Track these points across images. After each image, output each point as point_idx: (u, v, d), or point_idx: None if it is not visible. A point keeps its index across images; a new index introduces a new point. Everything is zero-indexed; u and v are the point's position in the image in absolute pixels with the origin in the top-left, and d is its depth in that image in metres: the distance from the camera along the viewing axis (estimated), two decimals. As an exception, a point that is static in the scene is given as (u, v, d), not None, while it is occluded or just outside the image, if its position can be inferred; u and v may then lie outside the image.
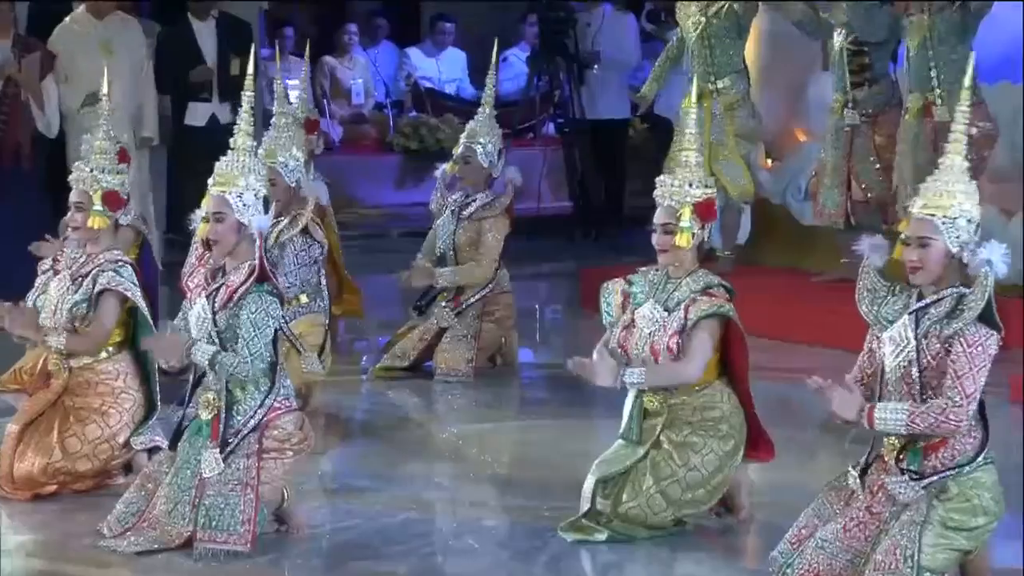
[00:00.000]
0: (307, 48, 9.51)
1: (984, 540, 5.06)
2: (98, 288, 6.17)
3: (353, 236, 11.30)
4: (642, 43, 13.73)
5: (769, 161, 10.93)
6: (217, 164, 5.64)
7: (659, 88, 10.64)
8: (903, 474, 5.02)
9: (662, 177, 5.78)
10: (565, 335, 10.43)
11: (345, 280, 8.70)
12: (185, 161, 11.03)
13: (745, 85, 10.16)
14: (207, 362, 5.52)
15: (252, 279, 5.55)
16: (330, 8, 16.50)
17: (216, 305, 5.59)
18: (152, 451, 6.21)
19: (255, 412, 5.55)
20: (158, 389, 6.33)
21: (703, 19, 9.98)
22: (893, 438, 5.05)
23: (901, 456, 5.04)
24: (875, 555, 4.97)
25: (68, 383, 6.25)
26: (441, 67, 15.54)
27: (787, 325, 9.12)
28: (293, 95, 8.67)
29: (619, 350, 5.76)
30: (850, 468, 5.22)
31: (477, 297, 8.39)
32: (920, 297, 5.06)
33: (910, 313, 5.04)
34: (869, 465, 5.17)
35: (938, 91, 8.94)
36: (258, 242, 5.57)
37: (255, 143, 5.73)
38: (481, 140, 8.41)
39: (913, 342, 4.99)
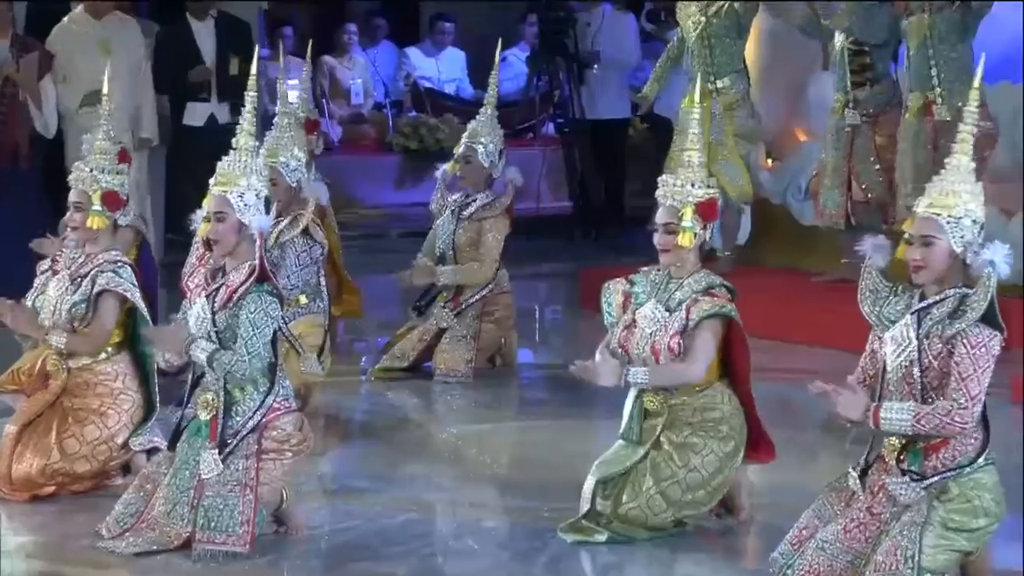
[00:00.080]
0: (309, 48, 9.49)
1: (985, 541, 5.06)
2: (97, 289, 6.16)
3: (352, 236, 11.28)
4: (642, 43, 13.72)
5: (769, 161, 10.92)
6: (219, 164, 5.63)
7: (660, 89, 10.62)
8: (904, 475, 5.01)
9: (664, 177, 5.76)
10: (565, 335, 10.42)
11: (344, 281, 8.69)
12: (183, 161, 11.03)
13: (745, 85, 10.15)
14: (205, 359, 5.51)
15: (252, 279, 5.54)
16: (329, 8, 16.48)
17: (216, 305, 5.58)
18: (151, 452, 6.20)
19: (254, 413, 5.54)
20: (157, 390, 6.32)
21: (703, 19, 9.97)
22: (894, 439, 5.05)
23: (902, 457, 5.04)
24: (876, 556, 4.97)
25: (67, 384, 6.24)
26: (440, 67, 15.53)
27: (787, 325, 9.11)
28: (293, 95, 8.66)
29: (620, 350, 5.75)
30: (850, 469, 5.21)
31: (476, 297, 8.38)
32: (922, 297, 5.05)
33: (912, 313, 5.03)
34: (869, 466, 5.17)
35: (938, 90, 8.95)
36: (258, 242, 5.57)
37: (257, 143, 5.73)
38: (482, 140, 8.41)
39: (915, 342, 4.98)
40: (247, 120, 5.63)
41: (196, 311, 5.65)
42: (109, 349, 6.27)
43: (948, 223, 4.95)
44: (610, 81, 13.30)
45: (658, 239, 5.73)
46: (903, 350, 5.02)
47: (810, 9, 9.73)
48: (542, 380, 8.84)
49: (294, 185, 7.61)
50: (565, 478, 6.21)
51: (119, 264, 6.21)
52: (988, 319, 4.91)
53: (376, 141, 14.82)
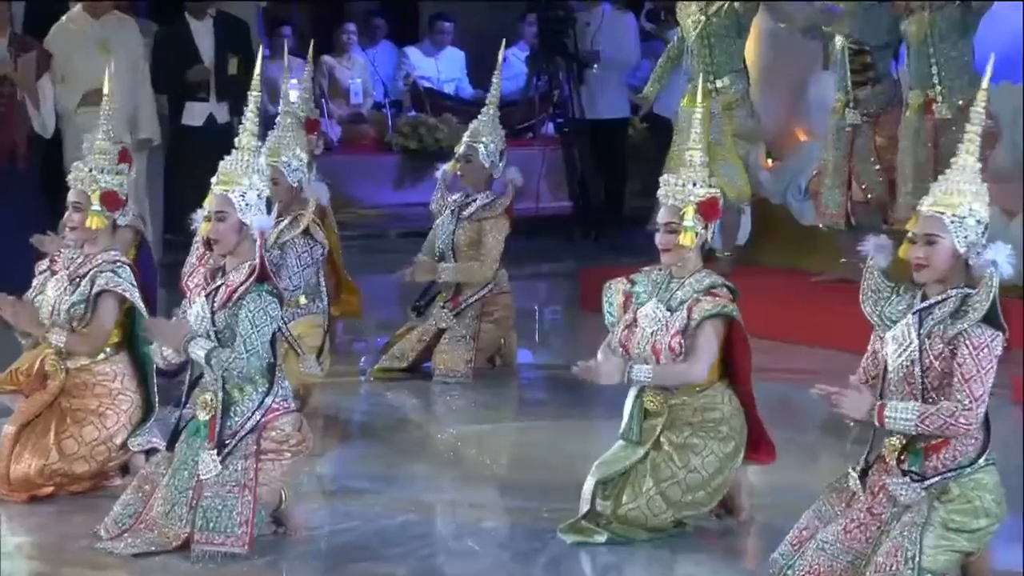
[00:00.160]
0: (310, 48, 9.48)
1: (985, 542, 5.06)
2: (96, 289, 6.15)
3: (352, 236, 11.27)
4: (642, 42, 13.71)
5: (770, 161, 10.92)
6: (221, 163, 5.62)
7: (660, 89, 10.61)
8: (904, 475, 5.01)
9: (665, 176, 5.75)
10: (564, 335, 10.41)
11: (344, 281, 8.68)
12: (182, 161, 11.01)
13: (744, 85, 10.14)
14: (203, 356, 5.50)
15: (252, 279, 5.53)
16: (328, 7, 16.48)
17: (215, 304, 5.57)
18: (149, 452, 6.19)
19: (253, 413, 5.53)
20: (156, 390, 6.31)
21: (703, 18, 9.96)
22: (894, 439, 5.04)
23: (902, 457, 5.03)
24: (876, 556, 4.97)
25: (65, 384, 6.23)
26: (440, 67, 15.52)
27: (787, 325, 9.10)
28: (294, 95, 8.65)
29: (621, 349, 5.74)
30: (851, 469, 5.20)
31: (476, 298, 8.37)
32: (924, 297, 5.04)
33: (914, 313, 5.02)
34: (870, 466, 5.16)
35: (939, 88, 8.95)
36: (259, 242, 5.56)
37: (260, 143, 5.71)
38: (483, 140, 8.40)
39: (916, 342, 4.98)
40: (250, 120, 5.61)
41: (195, 310, 5.63)
42: (108, 349, 6.26)
43: (952, 222, 4.94)
44: (610, 81, 13.30)
45: (659, 238, 5.72)
46: (904, 350, 5.01)
47: (812, 14, 9.73)
48: (542, 380, 8.83)
49: (295, 185, 7.60)
50: (565, 478, 6.20)
51: (118, 264, 6.20)
52: (990, 319, 4.90)
53: (375, 141, 14.81)
